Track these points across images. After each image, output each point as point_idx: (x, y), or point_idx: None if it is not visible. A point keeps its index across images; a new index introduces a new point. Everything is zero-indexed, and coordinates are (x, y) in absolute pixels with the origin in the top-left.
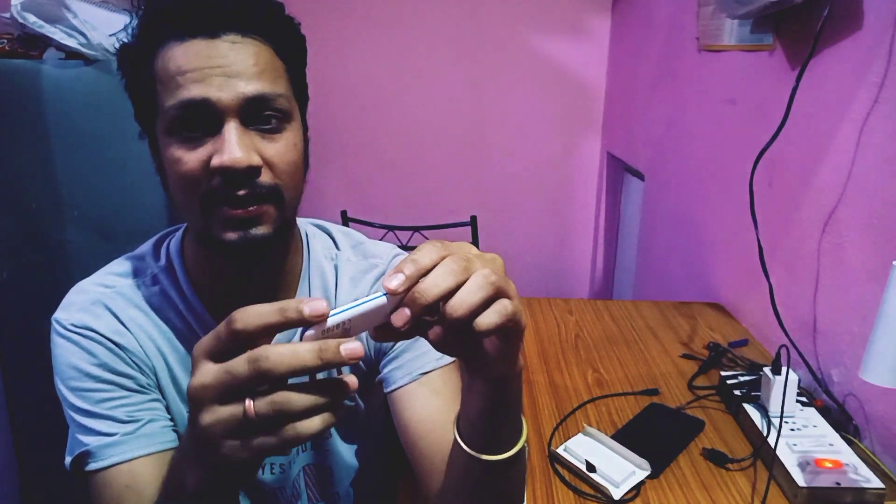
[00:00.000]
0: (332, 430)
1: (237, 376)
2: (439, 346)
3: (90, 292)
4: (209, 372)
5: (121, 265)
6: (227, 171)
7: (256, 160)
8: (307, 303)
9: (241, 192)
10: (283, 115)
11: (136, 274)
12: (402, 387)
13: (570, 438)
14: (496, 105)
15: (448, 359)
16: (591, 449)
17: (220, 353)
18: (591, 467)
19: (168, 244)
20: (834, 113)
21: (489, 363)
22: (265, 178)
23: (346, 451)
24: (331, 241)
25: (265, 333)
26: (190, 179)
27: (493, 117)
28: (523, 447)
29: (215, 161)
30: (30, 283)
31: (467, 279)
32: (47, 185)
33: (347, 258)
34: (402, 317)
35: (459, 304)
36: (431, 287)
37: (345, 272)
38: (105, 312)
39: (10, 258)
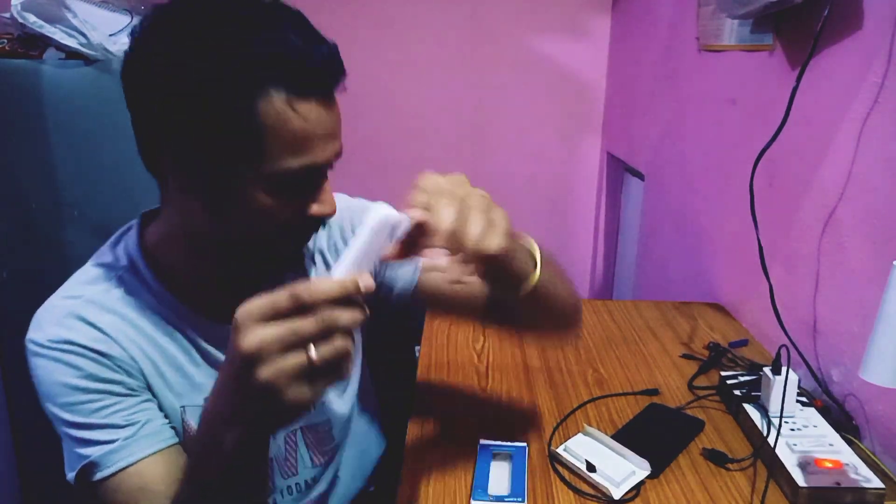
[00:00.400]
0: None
1: (304, 334)
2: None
3: (59, 307)
4: (267, 332)
5: (83, 274)
6: (326, 218)
7: None
8: (360, 279)
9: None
10: None
11: (102, 279)
12: (415, 285)
13: (570, 438)
14: (496, 105)
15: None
16: (591, 449)
17: (274, 317)
18: (591, 467)
19: (125, 244)
20: (834, 113)
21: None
22: None
23: (339, 403)
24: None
25: (325, 304)
26: (286, 224)
27: (493, 117)
28: (540, 273)
29: (319, 211)
30: (30, 283)
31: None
32: (47, 185)
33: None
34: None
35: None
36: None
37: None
38: (79, 323)
39: (10, 258)
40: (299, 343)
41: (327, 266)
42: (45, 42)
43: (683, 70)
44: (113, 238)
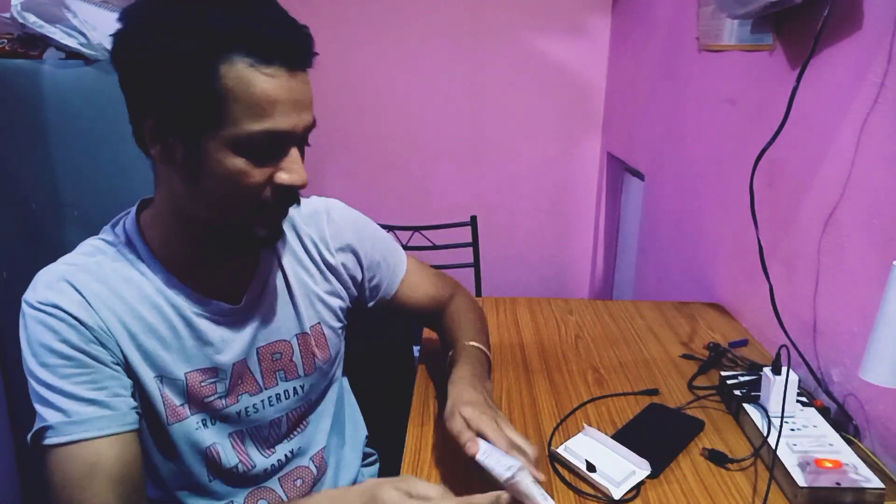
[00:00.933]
0: (316, 363)
1: None
2: None
3: (55, 271)
4: None
5: (85, 246)
6: (293, 189)
7: (307, 178)
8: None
9: (292, 205)
10: None
11: (99, 251)
12: (395, 293)
13: (570, 438)
14: (496, 105)
15: (403, 254)
16: (591, 449)
17: None
18: (591, 467)
19: (123, 224)
20: (834, 113)
21: None
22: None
23: (327, 375)
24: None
25: None
26: (252, 191)
27: (493, 117)
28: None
29: (283, 180)
30: (30, 283)
31: None
32: (47, 185)
33: (295, 211)
34: None
35: None
36: None
37: (300, 220)
38: (68, 287)
39: (10, 258)
40: None
41: (321, 256)
42: (45, 42)
43: (683, 70)
44: (113, 220)
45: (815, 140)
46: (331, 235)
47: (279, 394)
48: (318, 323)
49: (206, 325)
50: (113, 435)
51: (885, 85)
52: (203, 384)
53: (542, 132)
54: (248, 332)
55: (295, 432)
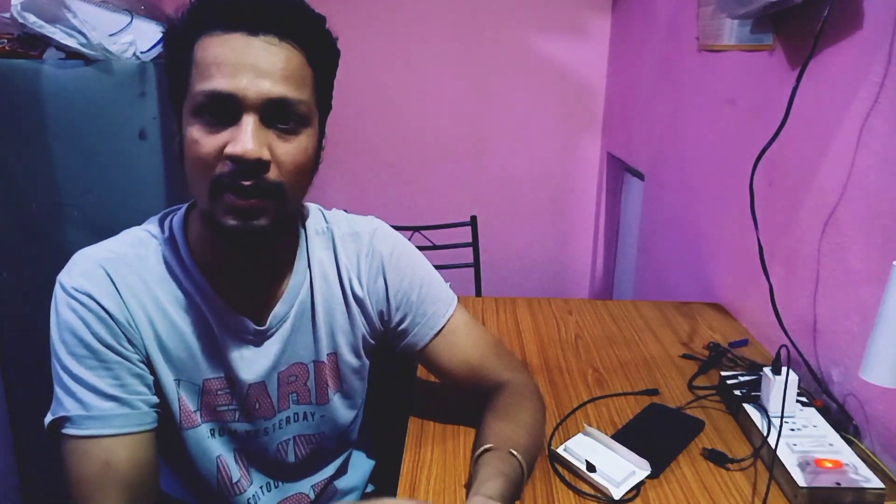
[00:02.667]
0: (329, 394)
1: None
2: None
3: (93, 256)
4: None
5: (128, 235)
6: (237, 159)
7: (266, 155)
8: None
9: (247, 183)
10: (301, 120)
11: (141, 244)
12: (425, 346)
13: (570, 438)
14: (496, 105)
15: (452, 304)
16: (591, 449)
17: None
18: (591, 467)
19: (171, 219)
20: (834, 113)
21: None
22: (272, 174)
23: (342, 413)
24: (321, 214)
25: None
26: (204, 161)
27: (493, 117)
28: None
29: (228, 149)
30: (30, 283)
31: None
32: (47, 185)
33: (338, 230)
34: None
35: None
36: None
37: (338, 241)
38: (103, 276)
39: (10, 258)
40: None
41: (350, 283)
42: (45, 42)
43: (683, 70)
44: (165, 211)
45: (815, 140)
46: (366, 262)
47: (290, 416)
48: (334, 353)
49: (230, 341)
50: (129, 434)
51: (885, 85)
52: (219, 392)
53: (542, 132)
54: (270, 355)
55: (311, 463)
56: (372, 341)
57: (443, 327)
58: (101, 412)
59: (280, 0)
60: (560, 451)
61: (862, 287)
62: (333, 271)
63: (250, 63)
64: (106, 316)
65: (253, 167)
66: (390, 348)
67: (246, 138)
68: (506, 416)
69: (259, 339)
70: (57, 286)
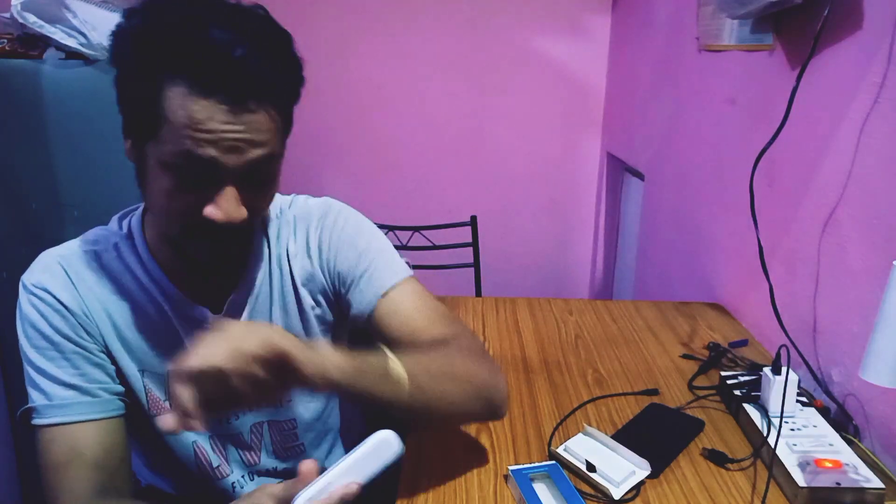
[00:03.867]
0: None
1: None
2: None
3: (53, 254)
4: None
5: (89, 233)
6: (219, 224)
7: (245, 214)
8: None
9: (226, 234)
10: (275, 170)
11: (100, 241)
12: (372, 312)
13: (570, 438)
14: (496, 105)
15: (404, 273)
16: (591, 449)
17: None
18: (591, 467)
19: (130, 219)
20: (834, 113)
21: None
22: (247, 220)
23: (307, 399)
24: (276, 201)
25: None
26: (177, 212)
27: (493, 117)
28: (409, 393)
29: (210, 213)
30: None
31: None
32: (47, 185)
33: (291, 213)
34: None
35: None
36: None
37: (291, 222)
38: (60, 271)
39: (10, 258)
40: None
41: (302, 262)
42: (45, 42)
43: (683, 70)
44: (124, 211)
45: (815, 140)
46: (316, 240)
47: None
48: (296, 336)
49: (189, 332)
50: (93, 420)
51: (885, 85)
52: None
53: (542, 132)
54: None
55: (289, 453)
56: (332, 318)
57: (387, 292)
58: (63, 401)
59: (266, 60)
60: (560, 451)
61: (862, 287)
62: (284, 253)
63: (233, 133)
64: (62, 308)
65: (234, 227)
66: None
67: (227, 205)
68: (423, 351)
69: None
70: (21, 284)
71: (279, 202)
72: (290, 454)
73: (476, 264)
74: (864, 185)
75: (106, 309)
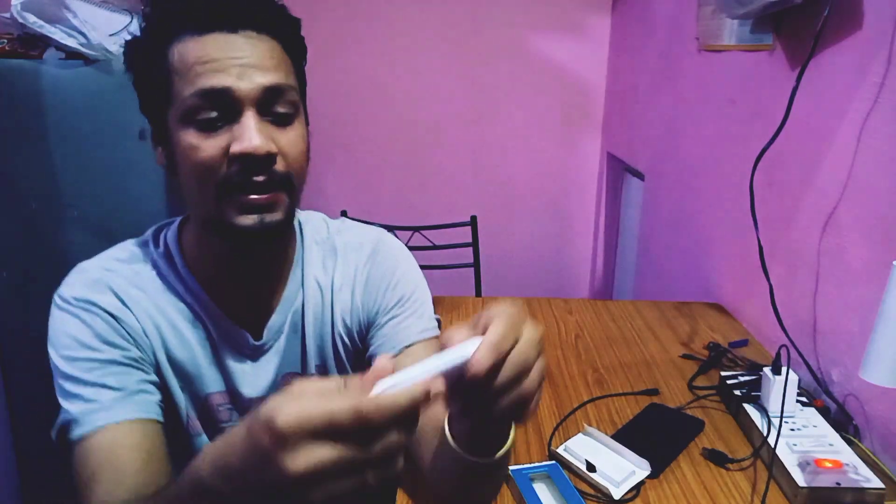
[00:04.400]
0: None
1: (368, 459)
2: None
3: (91, 272)
4: (325, 455)
5: (122, 251)
6: (247, 157)
7: (274, 148)
8: (429, 385)
9: (260, 179)
10: (294, 108)
11: (136, 259)
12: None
13: (570, 438)
14: (496, 105)
15: (432, 332)
16: (591, 449)
17: (330, 438)
18: (591, 467)
19: (165, 233)
20: (834, 113)
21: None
22: (280, 166)
23: None
24: (324, 224)
25: (392, 424)
26: (207, 166)
27: (494, 117)
28: (509, 450)
29: (235, 148)
30: (30, 283)
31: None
32: (47, 185)
33: (339, 240)
34: (481, 367)
35: (529, 393)
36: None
37: (339, 251)
38: (106, 290)
39: (10, 258)
40: (359, 467)
41: (333, 301)
42: (45, 42)
43: (683, 70)
44: (157, 225)
45: (815, 140)
46: (364, 276)
47: None
48: (323, 365)
49: (229, 355)
50: (135, 421)
51: (885, 85)
52: (220, 408)
53: (542, 132)
54: (269, 370)
55: None
56: (356, 348)
57: (409, 346)
58: (106, 403)
59: None
60: (560, 451)
61: (862, 287)
62: (328, 282)
63: (236, 57)
64: (111, 319)
65: (263, 162)
66: None
67: (251, 134)
68: None
69: (256, 355)
70: (56, 300)
71: (327, 225)
72: None
73: (476, 264)
74: (864, 185)
75: (157, 325)
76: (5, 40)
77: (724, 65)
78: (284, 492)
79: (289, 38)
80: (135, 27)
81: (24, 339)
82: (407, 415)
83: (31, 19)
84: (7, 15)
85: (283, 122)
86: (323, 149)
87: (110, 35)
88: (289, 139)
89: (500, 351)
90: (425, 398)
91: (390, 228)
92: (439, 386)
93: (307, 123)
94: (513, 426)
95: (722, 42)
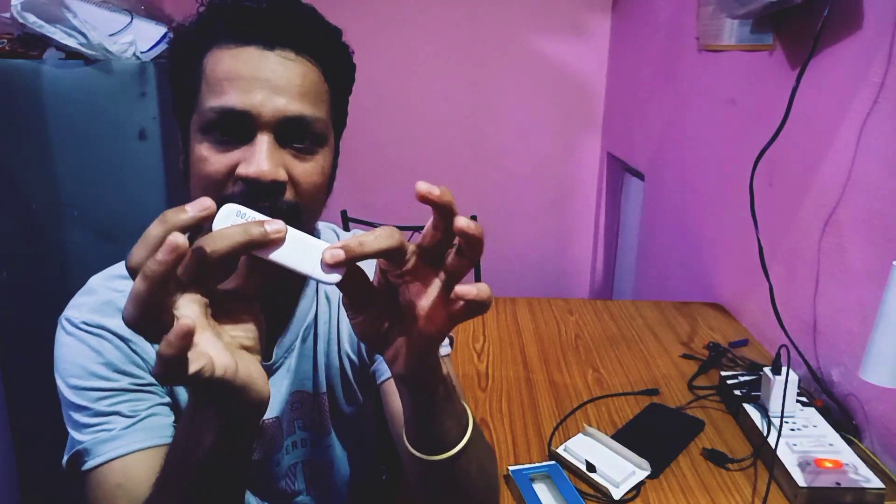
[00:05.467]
0: (331, 428)
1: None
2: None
3: (100, 293)
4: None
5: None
6: (251, 181)
7: (283, 176)
8: (267, 223)
9: (264, 205)
10: (318, 139)
11: None
12: (387, 379)
13: (570, 438)
14: (496, 105)
15: (444, 349)
16: (591, 449)
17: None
18: (591, 467)
19: None
20: (834, 113)
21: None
22: (288, 195)
23: (342, 447)
24: (334, 235)
25: (231, 255)
26: (212, 180)
27: (494, 117)
28: (465, 447)
29: (241, 170)
30: (30, 283)
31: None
32: (47, 185)
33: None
34: (333, 254)
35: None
36: (371, 241)
37: None
38: (116, 313)
39: (10, 258)
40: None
41: (339, 319)
42: (45, 42)
43: (683, 70)
44: None
45: (815, 140)
46: None
47: (296, 441)
48: (331, 388)
49: None
50: (148, 448)
51: (885, 85)
52: None
53: (542, 132)
54: (281, 389)
55: (311, 487)
56: (364, 364)
57: None
58: (119, 433)
59: (296, 12)
60: (560, 451)
61: (862, 287)
62: (336, 296)
63: (265, 78)
64: (122, 344)
65: (268, 189)
66: None
67: (261, 158)
68: None
69: (268, 374)
70: (63, 324)
71: (337, 236)
72: (313, 489)
73: (476, 264)
74: (864, 185)
75: None
76: (5, 40)
77: (724, 65)
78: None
79: (331, 63)
80: (135, 27)
81: (24, 339)
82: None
83: (31, 19)
84: (7, 15)
85: (303, 151)
86: None
87: (110, 35)
88: (305, 169)
89: (450, 200)
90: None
91: None
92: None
93: (337, 153)
94: (469, 422)
95: (722, 42)
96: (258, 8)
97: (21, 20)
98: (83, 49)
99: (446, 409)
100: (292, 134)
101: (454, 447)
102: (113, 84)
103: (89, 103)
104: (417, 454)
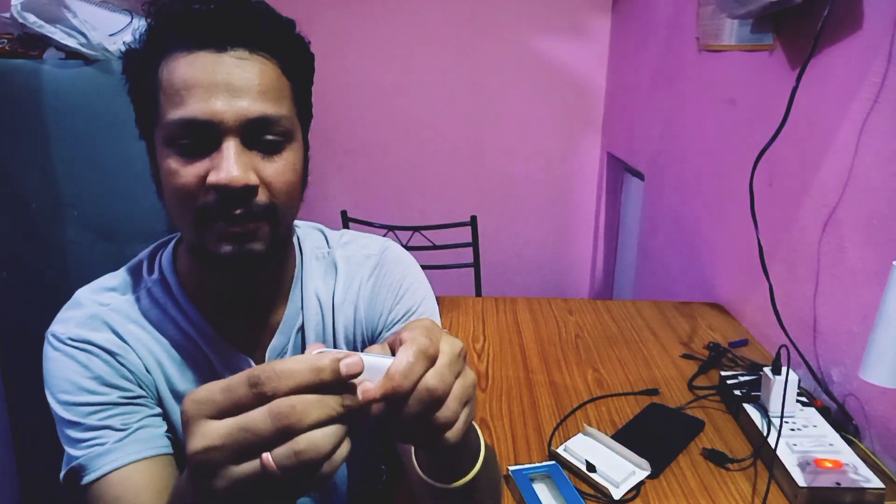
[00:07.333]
0: None
1: (258, 434)
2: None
3: (86, 307)
4: (217, 432)
5: (115, 279)
6: (222, 189)
7: (254, 180)
8: (343, 360)
9: (238, 211)
10: (285, 137)
11: (131, 289)
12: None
13: (570, 438)
14: (496, 105)
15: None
16: (591, 449)
17: (230, 412)
18: (591, 467)
19: (160, 257)
20: (834, 113)
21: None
22: (261, 197)
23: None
24: (323, 238)
25: (295, 393)
26: (185, 193)
27: (494, 117)
28: (479, 472)
29: (212, 178)
30: (30, 283)
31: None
32: (47, 185)
33: (341, 254)
34: (369, 395)
35: (446, 419)
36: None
37: (341, 266)
38: (103, 327)
39: (10, 258)
40: (255, 446)
41: (334, 319)
42: (45, 42)
43: (683, 70)
44: (152, 247)
45: (815, 140)
46: (368, 290)
47: None
48: None
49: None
50: (144, 459)
51: (885, 85)
52: None
53: (542, 132)
54: None
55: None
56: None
57: None
58: (112, 446)
59: (245, 9)
60: (560, 451)
61: (862, 287)
62: (329, 298)
63: (223, 82)
64: (110, 358)
65: (240, 194)
66: None
67: (229, 165)
68: None
69: None
70: (50, 339)
71: (326, 238)
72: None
73: (476, 264)
74: (864, 185)
75: (158, 361)
76: (5, 40)
77: (724, 65)
78: (198, 482)
79: (289, 58)
80: (135, 27)
81: (24, 339)
82: (307, 382)
83: (31, 19)
84: (7, 15)
85: (271, 150)
86: (322, 149)
87: (110, 35)
88: (275, 169)
89: (401, 383)
90: (333, 373)
91: (390, 228)
92: (354, 363)
93: (306, 148)
94: (481, 452)
95: (722, 42)
96: (207, 10)
97: (21, 20)
98: (83, 49)
99: (462, 447)
100: (258, 135)
101: (469, 473)
102: (113, 84)
103: (89, 103)
104: (431, 482)
